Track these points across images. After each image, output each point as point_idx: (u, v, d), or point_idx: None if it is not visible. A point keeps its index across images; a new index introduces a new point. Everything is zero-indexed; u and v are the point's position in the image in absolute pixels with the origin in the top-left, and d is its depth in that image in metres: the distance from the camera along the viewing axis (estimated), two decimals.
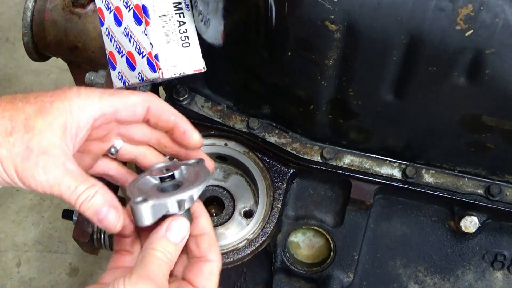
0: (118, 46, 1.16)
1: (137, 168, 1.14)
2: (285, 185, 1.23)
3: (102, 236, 1.36)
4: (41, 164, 0.94)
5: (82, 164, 1.04)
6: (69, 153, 0.96)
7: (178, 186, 1.02)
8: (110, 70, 1.21)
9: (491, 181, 1.20)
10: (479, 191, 1.20)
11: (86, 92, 0.98)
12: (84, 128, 0.98)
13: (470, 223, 1.20)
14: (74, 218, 1.42)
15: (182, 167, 1.03)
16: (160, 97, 1.33)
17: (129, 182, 1.04)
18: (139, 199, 0.93)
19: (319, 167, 1.23)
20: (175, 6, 1.12)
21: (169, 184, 1.02)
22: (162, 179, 1.02)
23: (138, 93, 1.03)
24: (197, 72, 1.13)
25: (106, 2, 1.16)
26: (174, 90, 1.25)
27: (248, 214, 1.23)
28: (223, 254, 1.18)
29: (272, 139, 1.23)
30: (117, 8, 1.14)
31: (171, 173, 1.02)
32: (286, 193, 1.24)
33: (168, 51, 1.10)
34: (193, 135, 1.04)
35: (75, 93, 0.98)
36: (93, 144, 1.05)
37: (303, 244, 1.29)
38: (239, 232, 1.21)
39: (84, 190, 0.95)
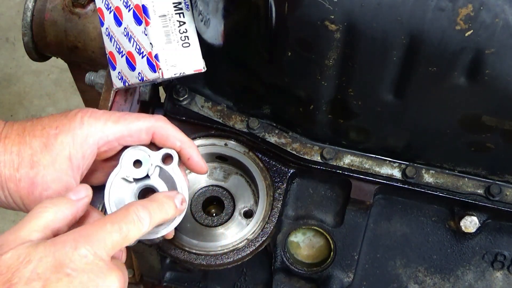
0: (118, 46, 1.16)
1: None
2: (285, 185, 1.23)
3: None
4: (45, 200, 0.97)
5: (96, 182, 1.08)
6: (73, 185, 1.01)
7: (153, 192, 1.06)
8: (110, 70, 1.21)
9: (491, 181, 1.20)
10: (479, 191, 1.20)
11: (90, 120, 1.02)
12: (88, 158, 1.03)
13: (470, 223, 1.20)
14: None
15: (155, 166, 1.06)
16: (160, 97, 1.34)
17: (106, 184, 1.06)
18: None
19: (319, 167, 1.22)
20: (175, 6, 1.12)
21: (145, 188, 1.07)
22: (136, 180, 1.06)
23: (144, 117, 1.05)
24: (197, 72, 1.13)
25: (106, 2, 1.16)
26: (174, 90, 1.25)
27: (248, 214, 1.23)
28: (223, 254, 1.18)
29: (272, 139, 1.23)
30: (117, 8, 1.14)
31: (145, 173, 1.06)
32: (286, 193, 1.24)
33: (168, 51, 1.10)
34: (198, 163, 1.08)
35: (79, 123, 1.01)
36: (102, 163, 1.09)
37: (303, 244, 1.29)
38: (239, 232, 1.21)
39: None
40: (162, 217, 0.97)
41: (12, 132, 1.01)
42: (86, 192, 0.97)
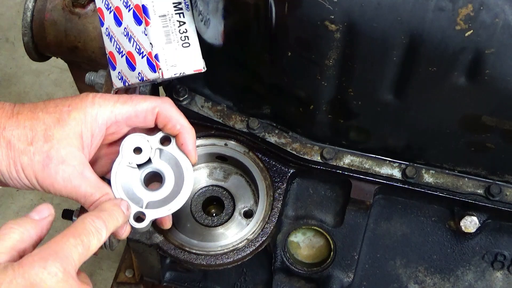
0: (118, 46, 1.16)
1: None
2: (285, 185, 1.23)
3: None
4: (61, 174, 1.00)
5: (100, 169, 1.10)
6: (86, 161, 1.03)
7: (159, 176, 1.08)
8: (110, 70, 1.21)
9: (491, 181, 1.20)
10: (479, 191, 1.20)
11: (100, 101, 1.04)
12: (98, 136, 1.04)
13: (470, 223, 1.20)
14: (74, 218, 1.42)
15: (155, 149, 1.08)
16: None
17: (111, 175, 1.07)
18: (136, 215, 1.04)
19: (319, 167, 1.22)
20: (175, 6, 1.12)
21: (149, 173, 1.08)
22: (139, 166, 1.08)
23: (150, 99, 1.07)
24: (197, 72, 1.13)
25: (106, 2, 1.16)
26: (174, 90, 1.25)
27: (248, 214, 1.23)
28: (223, 254, 1.18)
29: (272, 139, 1.23)
30: (117, 8, 1.14)
31: (147, 158, 1.08)
32: (286, 193, 1.24)
33: (168, 51, 1.10)
34: (190, 153, 1.08)
35: (90, 102, 1.03)
36: (108, 148, 1.10)
37: (303, 244, 1.29)
38: (239, 232, 1.21)
39: (99, 198, 1.02)
40: (114, 224, 0.98)
41: (24, 109, 1.02)
42: (49, 211, 0.97)
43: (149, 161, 1.08)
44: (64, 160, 1.00)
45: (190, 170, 1.07)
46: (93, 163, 1.08)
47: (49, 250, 0.88)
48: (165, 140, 1.09)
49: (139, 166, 1.08)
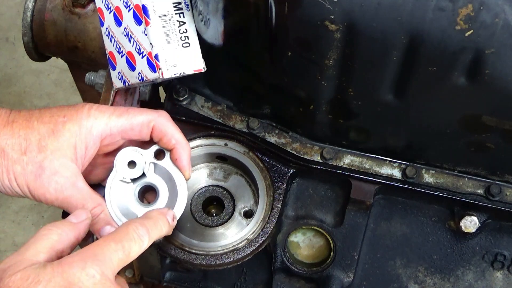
0: (118, 46, 1.16)
1: None
2: (285, 185, 1.23)
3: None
4: (53, 185, 1.01)
5: (95, 177, 1.09)
6: (78, 172, 1.03)
7: (153, 189, 1.09)
8: (110, 70, 1.21)
9: (491, 181, 1.20)
10: (479, 191, 1.20)
11: (96, 113, 1.04)
12: (92, 148, 1.05)
13: (470, 223, 1.20)
14: None
15: (149, 163, 1.08)
16: (160, 97, 1.34)
17: (106, 190, 1.07)
18: None
19: (319, 167, 1.23)
20: (175, 6, 1.12)
21: (143, 186, 1.09)
22: (133, 180, 1.08)
23: (146, 112, 1.07)
24: (197, 72, 1.13)
25: (106, 2, 1.16)
26: (174, 90, 1.25)
27: (248, 214, 1.23)
28: (223, 254, 1.18)
29: (272, 139, 1.23)
30: (117, 8, 1.14)
31: (141, 172, 1.08)
32: (286, 193, 1.24)
33: (168, 51, 1.10)
34: (183, 168, 1.09)
35: (86, 114, 1.04)
36: (103, 158, 1.10)
37: (303, 244, 1.29)
38: (239, 232, 1.21)
39: (91, 209, 1.03)
40: (158, 233, 0.99)
41: (19, 117, 1.02)
42: (86, 215, 0.99)
43: (143, 175, 1.08)
44: (57, 171, 1.01)
45: (184, 185, 1.07)
46: (88, 172, 1.08)
47: (89, 252, 0.89)
48: (159, 154, 1.09)
49: (133, 180, 1.08)
